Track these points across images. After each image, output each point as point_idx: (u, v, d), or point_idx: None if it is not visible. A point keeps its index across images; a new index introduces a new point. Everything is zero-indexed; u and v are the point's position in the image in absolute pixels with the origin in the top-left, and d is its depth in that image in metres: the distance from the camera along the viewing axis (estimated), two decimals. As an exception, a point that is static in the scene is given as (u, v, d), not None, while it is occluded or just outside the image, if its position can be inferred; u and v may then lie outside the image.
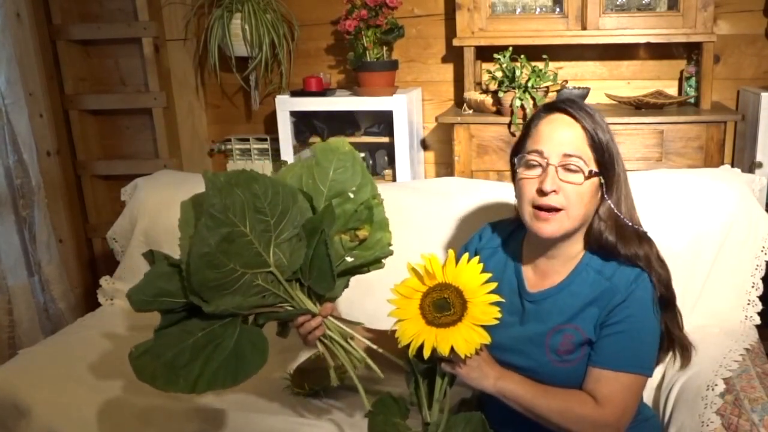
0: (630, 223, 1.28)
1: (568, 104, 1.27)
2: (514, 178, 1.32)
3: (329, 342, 1.30)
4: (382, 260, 1.35)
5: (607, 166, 1.25)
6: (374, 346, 1.31)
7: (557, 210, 1.23)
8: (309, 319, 1.27)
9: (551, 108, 1.28)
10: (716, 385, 1.42)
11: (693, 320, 1.70)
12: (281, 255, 1.20)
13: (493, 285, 1.17)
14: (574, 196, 1.22)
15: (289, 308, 1.26)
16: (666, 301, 1.29)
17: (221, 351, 1.18)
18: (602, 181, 1.25)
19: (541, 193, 1.22)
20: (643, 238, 1.29)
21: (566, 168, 1.22)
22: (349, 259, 1.30)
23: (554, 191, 1.22)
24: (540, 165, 1.24)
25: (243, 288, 1.17)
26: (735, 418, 1.33)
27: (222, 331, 1.19)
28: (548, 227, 1.24)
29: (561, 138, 1.24)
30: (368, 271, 1.35)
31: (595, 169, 1.23)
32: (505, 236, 1.43)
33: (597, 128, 1.24)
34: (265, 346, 1.20)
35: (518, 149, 1.31)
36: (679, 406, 1.47)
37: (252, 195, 1.14)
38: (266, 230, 1.16)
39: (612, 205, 1.26)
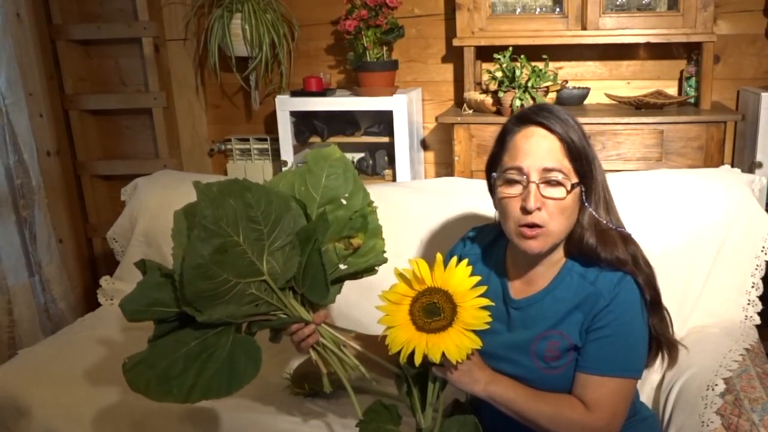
0: (612, 226, 1.26)
1: (541, 115, 1.23)
2: (491, 189, 1.31)
3: (322, 349, 1.29)
4: (376, 267, 1.34)
5: (585, 173, 1.23)
6: (368, 353, 1.29)
7: (541, 226, 1.22)
8: (302, 326, 1.27)
9: (524, 120, 1.25)
10: (716, 385, 1.42)
11: (693, 320, 1.71)
12: (275, 263, 1.18)
13: (483, 288, 1.16)
14: (557, 211, 1.21)
15: (283, 316, 1.25)
16: (652, 301, 1.27)
17: (214, 360, 1.16)
18: (583, 189, 1.23)
19: (525, 211, 1.21)
20: (626, 240, 1.28)
21: (547, 183, 1.21)
22: (342, 266, 1.29)
23: (538, 208, 1.20)
24: (520, 182, 1.22)
25: (236, 297, 1.16)
26: (735, 418, 1.33)
27: (215, 340, 1.18)
28: (535, 244, 1.22)
29: (539, 153, 1.21)
30: (361, 277, 1.34)
31: (575, 180, 1.22)
32: (488, 242, 1.42)
33: (572, 134, 1.21)
34: (258, 355, 1.18)
35: (494, 163, 1.29)
36: (679, 406, 1.47)
37: (245, 204, 1.12)
38: (259, 239, 1.15)
39: (593, 212, 1.25)
